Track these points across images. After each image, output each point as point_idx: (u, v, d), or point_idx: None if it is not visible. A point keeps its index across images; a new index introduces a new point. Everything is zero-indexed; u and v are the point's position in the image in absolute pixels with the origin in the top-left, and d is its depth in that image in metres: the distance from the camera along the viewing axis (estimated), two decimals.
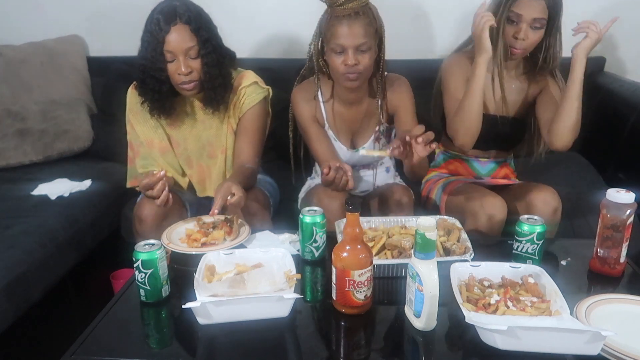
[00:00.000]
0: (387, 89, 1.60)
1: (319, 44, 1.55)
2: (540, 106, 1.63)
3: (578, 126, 1.51)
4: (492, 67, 1.56)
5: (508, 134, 1.66)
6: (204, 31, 1.44)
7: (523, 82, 1.64)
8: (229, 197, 1.31)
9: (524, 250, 1.19)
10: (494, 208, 1.45)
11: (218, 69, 1.48)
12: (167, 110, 1.54)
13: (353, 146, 1.69)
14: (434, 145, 1.29)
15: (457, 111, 1.55)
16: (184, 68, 1.42)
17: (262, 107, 1.62)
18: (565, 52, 1.59)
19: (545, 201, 1.46)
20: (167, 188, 1.35)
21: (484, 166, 1.74)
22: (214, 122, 1.61)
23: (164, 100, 1.51)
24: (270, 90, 1.64)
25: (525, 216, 1.21)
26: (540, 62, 1.59)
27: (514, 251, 1.21)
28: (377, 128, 1.66)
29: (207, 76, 1.47)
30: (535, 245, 1.18)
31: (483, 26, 1.43)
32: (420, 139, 1.28)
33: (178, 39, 1.41)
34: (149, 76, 1.46)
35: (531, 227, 1.17)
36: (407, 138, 1.31)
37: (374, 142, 1.68)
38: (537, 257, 1.19)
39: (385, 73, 1.59)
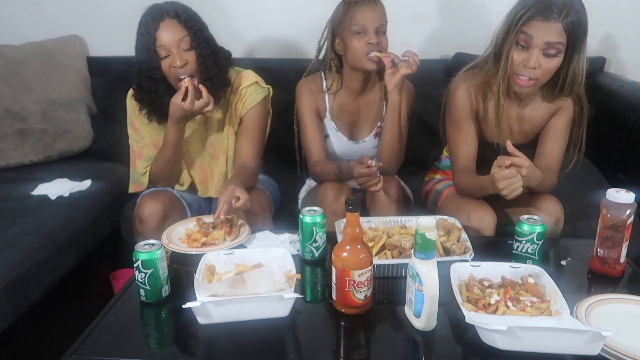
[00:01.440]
0: None
1: (331, 37, 1.61)
2: (541, 133, 1.52)
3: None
4: (500, 95, 1.42)
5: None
6: (193, 23, 1.45)
7: (540, 105, 1.48)
8: (233, 201, 1.31)
9: (524, 250, 1.19)
10: (481, 222, 1.42)
11: (213, 59, 1.48)
12: (165, 112, 1.53)
13: (353, 138, 1.71)
14: (413, 66, 1.45)
15: (462, 181, 1.51)
16: (178, 61, 1.43)
17: (263, 107, 1.62)
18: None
19: (547, 211, 1.42)
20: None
21: None
22: (215, 123, 1.61)
23: (161, 100, 1.50)
24: (271, 89, 1.64)
25: (525, 216, 1.21)
26: (560, 88, 1.41)
27: (514, 251, 1.21)
28: (378, 124, 1.69)
29: (203, 67, 1.47)
30: (535, 245, 1.18)
31: (511, 194, 1.28)
32: (410, 54, 1.46)
33: (168, 32, 1.42)
34: (144, 77, 1.46)
35: (531, 227, 1.17)
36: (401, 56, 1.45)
37: (374, 137, 1.70)
38: (537, 257, 1.18)
39: None
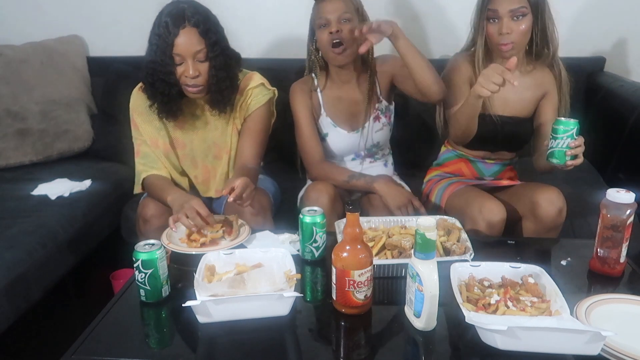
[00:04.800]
0: (378, 66, 1.70)
1: (312, 37, 1.68)
2: (537, 114, 1.65)
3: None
4: (479, 66, 1.57)
5: (516, 134, 1.65)
6: (212, 34, 1.43)
7: (530, 79, 1.62)
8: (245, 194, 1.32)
9: (564, 145, 1.29)
10: (492, 214, 1.44)
11: (225, 71, 1.47)
12: (174, 113, 1.53)
13: (353, 129, 1.73)
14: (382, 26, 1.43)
15: (452, 115, 1.59)
16: (192, 71, 1.42)
17: (267, 109, 1.62)
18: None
19: (550, 201, 1.45)
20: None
21: (489, 168, 1.72)
22: (220, 123, 1.61)
23: (173, 103, 1.50)
24: (276, 91, 1.64)
25: (561, 117, 1.32)
26: (536, 48, 1.57)
27: (550, 149, 1.31)
28: (376, 106, 1.72)
29: (215, 79, 1.46)
30: (575, 141, 1.29)
31: (487, 90, 1.34)
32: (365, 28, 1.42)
33: (187, 42, 1.40)
34: (158, 79, 1.45)
35: (567, 122, 1.28)
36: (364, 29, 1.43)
37: (374, 121, 1.72)
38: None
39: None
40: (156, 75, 1.44)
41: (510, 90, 1.58)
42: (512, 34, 1.48)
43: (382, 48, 1.72)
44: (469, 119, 1.51)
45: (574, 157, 1.32)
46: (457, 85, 1.62)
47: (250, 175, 1.53)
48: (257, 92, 1.58)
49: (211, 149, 1.63)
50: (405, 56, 1.50)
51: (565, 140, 1.29)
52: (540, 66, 1.62)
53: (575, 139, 1.29)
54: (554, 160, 1.33)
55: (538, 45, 1.57)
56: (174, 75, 1.44)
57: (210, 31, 1.43)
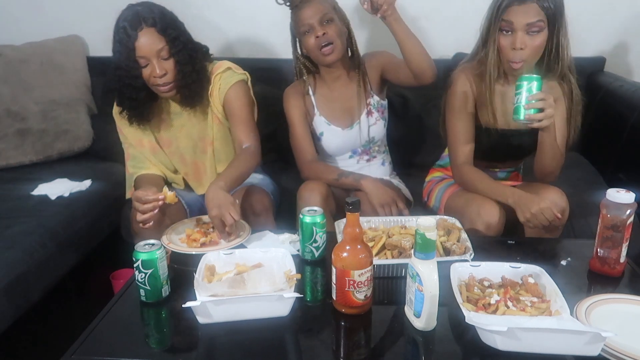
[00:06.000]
0: (366, 62, 1.72)
1: (297, 46, 1.71)
2: None
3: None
4: (491, 80, 1.49)
5: (522, 145, 1.59)
6: (171, 30, 1.44)
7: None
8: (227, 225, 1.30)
9: (523, 100, 1.29)
10: (490, 216, 1.43)
11: (191, 65, 1.49)
12: (146, 117, 1.55)
13: (348, 125, 1.74)
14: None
15: (472, 185, 1.54)
16: (158, 70, 1.43)
17: (241, 88, 1.59)
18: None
19: (553, 203, 1.42)
20: (156, 211, 1.36)
21: (493, 175, 1.68)
22: (201, 117, 1.61)
23: (142, 107, 1.52)
24: (248, 75, 1.63)
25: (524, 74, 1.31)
26: (547, 63, 1.47)
27: (515, 105, 1.31)
28: (368, 101, 1.73)
29: (181, 74, 1.47)
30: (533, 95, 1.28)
31: (527, 222, 1.37)
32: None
33: (147, 42, 1.42)
34: (124, 85, 1.47)
35: (528, 77, 1.28)
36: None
37: (367, 116, 1.73)
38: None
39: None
40: (122, 81, 1.46)
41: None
42: (526, 49, 1.39)
43: (370, 46, 1.71)
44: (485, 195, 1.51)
45: (536, 112, 1.30)
46: (459, 114, 1.55)
47: (248, 156, 1.52)
48: (225, 76, 1.58)
49: (197, 145, 1.64)
50: (398, 34, 1.50)
51: (524, 95, 1.29)
52: (548, 78, 1.51)
53: (533, 93, 1.28)
54: (515, 117, 1.32)
55: (550, 61, 1.46)
56: (140, 78, 1.45)
57: (169, 27, 1.44)
